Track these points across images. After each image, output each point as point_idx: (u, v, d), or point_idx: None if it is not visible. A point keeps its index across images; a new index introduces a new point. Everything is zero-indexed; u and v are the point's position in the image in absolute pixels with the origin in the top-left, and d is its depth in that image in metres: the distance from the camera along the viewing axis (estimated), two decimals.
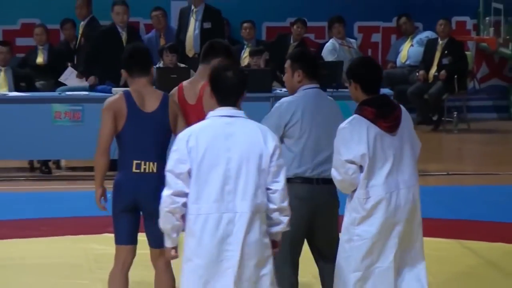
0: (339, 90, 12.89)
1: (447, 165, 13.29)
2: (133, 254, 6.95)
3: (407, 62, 16.20)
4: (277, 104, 6.76)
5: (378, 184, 6.01)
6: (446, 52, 15.67)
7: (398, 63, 16.31)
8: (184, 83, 7.12)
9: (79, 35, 14.36)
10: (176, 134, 6.15)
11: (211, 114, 5.61)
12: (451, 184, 12.35)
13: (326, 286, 6.81)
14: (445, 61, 15.67)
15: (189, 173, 5.48)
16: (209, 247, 5.44)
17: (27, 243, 9.21)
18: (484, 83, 16.78)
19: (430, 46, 15.83)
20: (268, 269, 5.53)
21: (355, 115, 6.12)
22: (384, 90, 13.60)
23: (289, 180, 6.00)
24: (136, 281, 7.50)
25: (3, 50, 13.00)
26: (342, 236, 6.13)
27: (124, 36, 13.84)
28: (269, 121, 6.59)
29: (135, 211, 6.87)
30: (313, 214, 6.66)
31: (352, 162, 5.97)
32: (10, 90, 12.79)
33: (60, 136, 12.34)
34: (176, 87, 7.12)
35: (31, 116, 12.44)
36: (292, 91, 6.85)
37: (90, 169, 12.51)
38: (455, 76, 15.58)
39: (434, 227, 10.01)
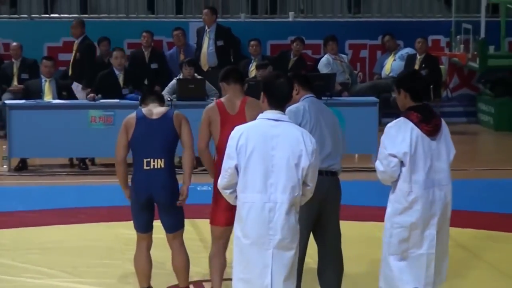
0: (333, 98, 12.85)
1: None
2: (151, 238, 7.02)
3: (391, 74, 16.15)
4: (287, 111, 6.67)
5: (420, 181, 6.04)
6: (423, 65, 15.64)
7: (383, 75, 16.29)
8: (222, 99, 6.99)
9: (74, 51, 14.51)
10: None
11: (260, 116, 5.65)
12: None
13: (321, 270, 6.77)
14: (423, 73, 15.61)
15: (236, 167, 5.50)
16: (253, 230, 5.48)
17: (67, 228, 9.17)
18: (456, 92, 16.76)
19: (410, 60, 15.81)
20: (295, 247, 5.58)
21: (401, 117, 6.15)
22: (371, 98, 13.57)
23: None
24: (159, 261, 7.47)
25: (48, 64, 12.98)
26: (386, 223, 6.18)
27: (147, 54, 14.46)
28: None
29: (150, 204, 6.85)
30: (322, 200, 6.62)
31: (394, 156, 5.98)
32: (53, 98, 12.78)
33: (95, 137, 12.31)
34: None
35: (71, 120, 12.41)
36: (293, 103, 6.76)
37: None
38: (431, 86, 15.55)
39: None
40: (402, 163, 6.04)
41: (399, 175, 6.07)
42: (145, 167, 6.72)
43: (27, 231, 9.14)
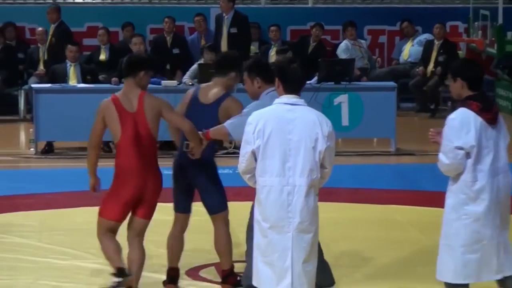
0: (352, 83, 12.83)
1: None
2: (187, 220, 6.99)
3: (409, 60, 16.13)
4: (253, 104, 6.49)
5: (485, 170, 5.92)
6: (441, 51, 15.59)
7: (401, 60, 16.24)
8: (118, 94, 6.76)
9: (50, 36, 14.60)
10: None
11: (276, 100, 5.62)
12: None
13: None
14: (441, 58, 15.58)
15: (253, 152, 5.51)
16: (272, 214, 5.49)
17: (92, 210, 9.13)
18: None
19: (428, 46, 15.75)
20: (314, 230, 5.55)
21: (461, 108, 5.97)
22: (389, 83, 13.54)
23: None
24: (192, 247, 7.49)
25: (73, 49, 13.05)
26: (449, 215, 6.01)
27: (169, 40, 14.32)
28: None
29: (188, 185, 6.86)
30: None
31: (461, 149, 5.87)
32: (78, 82, 12.85)
33: None
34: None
35: (95, 104, 12.23)
36: (253, 96, 6.62)
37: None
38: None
39: (432, 198, 9.95)
40: (468, 154, 5.88)
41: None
42: (184, 149, 6.71)
43: (53, 213, 9.21)
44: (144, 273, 6.72)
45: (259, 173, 5.55)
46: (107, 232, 6.63)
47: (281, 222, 5.48)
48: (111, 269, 6.72)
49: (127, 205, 6.55)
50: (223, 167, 6.81)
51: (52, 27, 14.63)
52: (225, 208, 6.96)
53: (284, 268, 5.47)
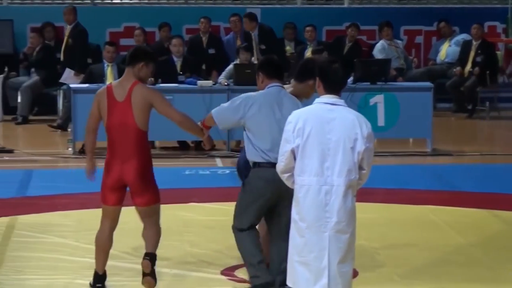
0: (388, 83, 12.78)
1: (480, 147, 13.14)
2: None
3: (446, 60, 16.05)
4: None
5: None
6: (479, 51, 15.50)
7: (438, 61, 16.18)
8: (113, 83, 6.92)
9: (66, 37, 14.73)
10: None
11: (317, 100, 5.63)
12: (483, 163, 12.19)
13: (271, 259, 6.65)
14: (479, 59, 15.49)
15: (292, 151, 5.51)
16: (309, 213, 5.47)
17: (127, 210, 9.19)
18: None
19: (465, 47, 15.66)
20: (351, 231, 5.53)
21: None
22: (425, 83, 13.46)
23: (259, 164, 6.38)
24: (227, 246, 7.48)
25: (110, 49, 13.15)
26: None
27: (205, 40, 14.49)
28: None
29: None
30: (277, 195, 6.50)
31: None
32: None
33: (155, 121, 12.22)
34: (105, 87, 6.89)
35: None
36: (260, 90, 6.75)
37: (178, 148, 12.69)
38: (487, 72, 15.42)
39: (469, 198, 9.90)
40: None
41: None
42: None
43: (90, 213, 9.25)
44: (179, 271, 6.73)
45: (297, 172, 5.54)
46: (106, 220, 6.86)
47: (318, 222, 5.46)
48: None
49: (113, 189, 6.77)
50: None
51: (68, 28, 14.72)
52: None
53: (321, 268, 5.44)
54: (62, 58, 14.79)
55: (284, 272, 5.84)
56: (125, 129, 6.68)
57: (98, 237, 6.89)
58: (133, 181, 6.69)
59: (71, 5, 15.56)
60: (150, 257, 6.77)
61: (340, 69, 5.61)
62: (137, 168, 6.68)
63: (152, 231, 6.82)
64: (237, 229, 6.66)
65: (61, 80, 14.15)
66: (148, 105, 6.67)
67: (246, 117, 6.57)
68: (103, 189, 6.83)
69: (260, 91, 6.70)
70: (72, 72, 14.20)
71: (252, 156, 6.58)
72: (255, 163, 6.57)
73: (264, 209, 6.63)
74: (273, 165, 6.13)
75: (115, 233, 8.18)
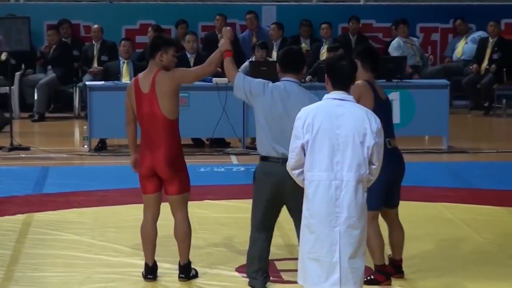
0: (403, 80, 12.75)
1: (497, 144, 13.06)
2: None
3: (462, 57, 15.99)
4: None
5: None
6: (496, 49, 15.44)
7: (454, 58, 16.11)
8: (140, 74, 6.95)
9: (97, 52, 15.06)
10: None
11: (326, 96, 5.63)
12: (499, 160, 12.13)
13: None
14: (495, 56, 15.43)
15: (302, 146, 5.51)
16: (320, 208, 5.46)
17: (135, 207, 9.26)
18: None
19: (482, 44, 15.59)
20: (362, 226, 5.50)
21: None
22: (441, 81, 13.41)
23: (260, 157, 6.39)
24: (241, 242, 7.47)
25: (126, 45, 13.18)
26: None
27: (221, 37, 14.25)
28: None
29: None
30: (278, 186, 6.41)
31: None
32: (131, 79, 12.87)
33: None
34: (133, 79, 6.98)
35: None
36: None
37: (193, 146, 12.69)
38: (504, 69, 15.35)
39: (485, 196, 9.85)
40: None
41: None
42: None
43: (106, 210, 9.28)
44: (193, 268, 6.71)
45: (307, 168, 5.52)
46: (147, 210, 6.94)
47: (328, 217, 5.43)
48: (163, 265, 6.74)
49: (147, 177, 6.86)
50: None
51: (96, 45, 15.03)
52: None
53: (332, 263, 5.42)
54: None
55: None
56: (152, 119, 6.79)
57: (143, 228, 7.02)
58: (163, 169, 6.81)
59: (88, 3, 15.61)
60: (185, 273, 6.89)
61: (347, 65, 5.59)
62: (166, 156, 6.78)
63: (183, 230, 6.93)
64: (251, 228, 6.66)
65: None
66: (173, 88, 6.73)
67: (253, 97, 6.49)
68: (140, 179, 6.93)
69: (276, 83, 6.59)
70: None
71: (257, 146, 6.60)
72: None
73: (269, 204, 6.52)
74: (263, 158, 6.38)
75: (131, 230, 8.19)
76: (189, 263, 6.97)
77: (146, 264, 7.02)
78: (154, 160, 6.80)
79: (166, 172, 6.80)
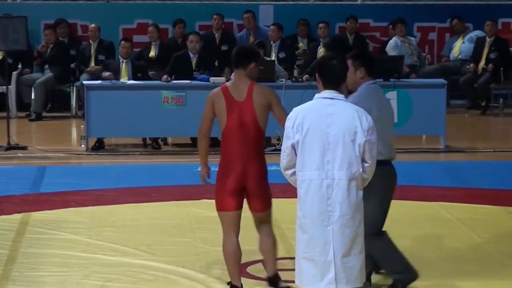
0: (401, 80, 12.75)
1: (494, 143, 13.07)
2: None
3: (459, 57, 16.00)
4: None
5: None
6: (493, 48, 15.44)
7: (451, 58, 16.13)
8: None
9: (94, 52, 15.00)
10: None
11: (316, 95, 5.62)
12: (496, 160, 12.14)
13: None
14: (492, 56, 15.43)
15: (293, 146, 5.51)
16: (312, 208, 5.45)
17: (140, 207, 9.28)
18: None
19: (479, 43, 15.60)
20: (357, 225, 5.48)
21: None
22: (438, 80, 13.42)
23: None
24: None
25: (126, 45, 13.16)
26: None
27: (218, 37, 14.67)
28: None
29: None
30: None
31: None
32: (129, 79, 12.94)
33: (168, 117, 12.41)
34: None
35: (145, 101, 12.53)
36: (353, 88, 6.63)
37: (191, 145, 12.70)
38: (501, 69, 15.36)
39: (482, 195, 9.86)
40: None
41: None
42: None
43: (103, 209, 9.28)
44: (191, 268, 6.68)
45: (298, 167, 5.51)
46: (229, 228, 6.51)
47: (321, 216, 5.42)
48: (160, 265, 6.72)
49: (233, 193, 6.45)
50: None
51: (93, 44, 14.95)
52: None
53: (327, 262, 5.41)
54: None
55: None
56: (247, 129, 6.44)
57: (227, 249, 6.52)
58: (255, 184, 6.45)
59: (85, 2, 15.61)
60: (275, 285, 6.61)
61: (338, 65, 5.57)
62: (260, 169, 6.46)
63: (270, 241, 6.60)
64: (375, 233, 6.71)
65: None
66: (267, 104, 6.50)
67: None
68: (221, 195, 6.47)
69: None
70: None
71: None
72: None
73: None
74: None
75: (128, 229, 8.18)
76: (277, 273, 6.65)
77: (234, 286, 6.51)
78: (247, 173, 6.42)
79: (258, 187, 6.44)
